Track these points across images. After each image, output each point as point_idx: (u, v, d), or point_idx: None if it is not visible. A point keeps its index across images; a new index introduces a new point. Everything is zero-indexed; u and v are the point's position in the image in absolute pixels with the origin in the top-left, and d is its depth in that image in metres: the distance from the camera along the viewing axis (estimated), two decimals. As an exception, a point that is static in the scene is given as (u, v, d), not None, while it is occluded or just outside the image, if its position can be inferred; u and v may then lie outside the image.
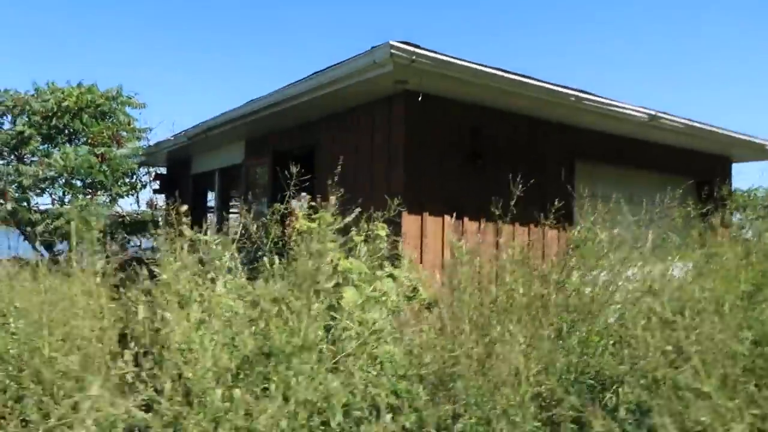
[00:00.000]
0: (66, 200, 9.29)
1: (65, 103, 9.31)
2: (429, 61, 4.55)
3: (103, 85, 10.12)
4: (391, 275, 3.53)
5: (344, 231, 3.83)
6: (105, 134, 9.98)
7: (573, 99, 5.63)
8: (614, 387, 2.94)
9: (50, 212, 9.01)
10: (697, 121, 7.02)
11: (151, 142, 10.38)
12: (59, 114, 9.37)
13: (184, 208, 3.53)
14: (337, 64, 5.05)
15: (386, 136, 5.46)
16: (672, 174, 7.93)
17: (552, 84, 5.41)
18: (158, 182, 11.25)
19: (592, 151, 6.89)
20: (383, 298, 2.95)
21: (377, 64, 4.55)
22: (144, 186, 11.37)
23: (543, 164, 6.38)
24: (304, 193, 3.62)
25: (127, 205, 18.75)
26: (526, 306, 3.02)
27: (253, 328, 2.76)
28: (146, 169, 11.48)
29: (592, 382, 3.02)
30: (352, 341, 2.86)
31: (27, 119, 9.36)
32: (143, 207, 12.00)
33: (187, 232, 3.21)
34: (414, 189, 5.20)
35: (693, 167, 8.35)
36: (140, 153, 9.99)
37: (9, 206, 8.72)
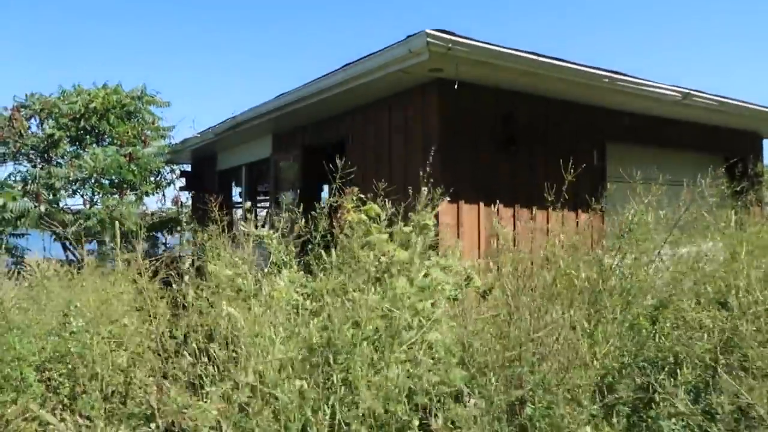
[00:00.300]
0: (96, 200, 9.42)
1: (93, 105, 9.42)
2: (465, 48, 4.55)
3: (127, 86, 10.23)
4: (439, 264, 3.56)
5: (389, 221, 3.87)
6: (131, 134, 10.10)
7: (606, 80, 5.58)
8: (666, 369, 2.95)
9: (82, 213, 9.16)
10: (728, 98, 6.92)
11: (175, 141, 10.49)
12: (87, 115, 9.49)
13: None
14: (370, 55, 5.06)
15: (419, 126, 5.47)
16: (703, 152, 7.85)
17: (585, 65, 5.38)
18: (184, 179, 11.36)
19: (623, 132, 6.84)
20: (439, 287, 2.98)
21: (413, 53, 4.56)
22: (169, 184, 11.47)
23: (574, 147, 6.34)
24: (355, 187, 3.64)
25: (152, 203, 18.90)
26: (580, 291, 3.04)
27: (315, 320, 2.81)
28: (170, 167, 11.61)
29: (645, 364, 3.03)
30: (411, 330, 2.89)
31: (55, 122, 9.50)
32: (168, 204, 12.16)
33: (244, 227, 3.26)
34: (449, 177, 5.20)
35: (724, 144, 8.25)
36: (166, 151, 10.10)
37: (43, 208, 8.87)
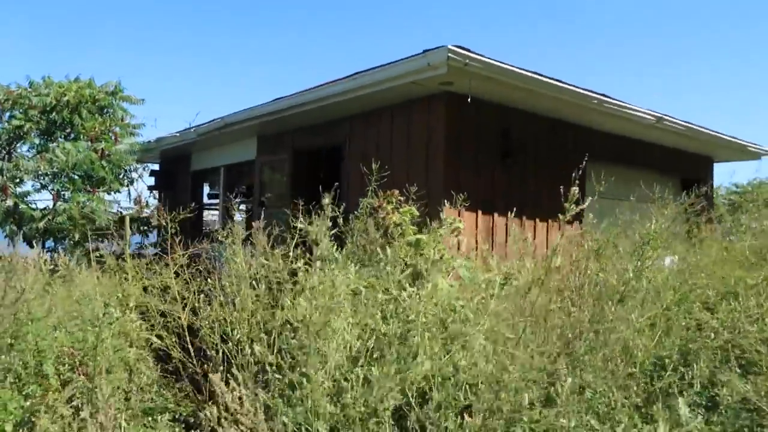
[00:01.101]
0: (66, 196, 9.14)
1: (65, 98, 9.16)
2: (480, 64, 4.83)
3: (99, 81, 9.97)
4: (465, 265, 3.79)
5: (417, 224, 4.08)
6: (98, 129, 9.86)
7: (595, 101, 6.01)
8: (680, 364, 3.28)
9: (50, 209, 8.87)
10: (693, 123, 7.55)
11: (143, 139, 10.31)
12: (58, 108, 9.22)
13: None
14: (384, 65, 5.27)
15: (424, 135, 5.71)
16: (665, 173, 8.47)
17: (579, 87, 5.78)
18: (153, 178, 11.16)
19: (601, 151, 7.32)
20: (482, 284, 3.20)
21: (431, 66, 4.80)
22: (131, 182, 11.20)
23: (560, 163, 6.76)
24: (395, 190, 3.83)
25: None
26: (614, 291, 3.34)
27: (378, 310, 2.97)
28: (134, 166, 11.35)
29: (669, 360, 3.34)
30: (458, 323, 3.10)
31: (23, 113, 9.16)
32: (130, 204, 11.88)
33: (301, 224, 3.38)
34: (452, 185, 5.45)
35: (682, 167, 8.93)
36: (137, 149, 9.91)
37: (10, 202, 8.54)
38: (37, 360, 3.84)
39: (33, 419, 3.54)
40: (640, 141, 7.95)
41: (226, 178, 9.45)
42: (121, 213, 11.03)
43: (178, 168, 10.69)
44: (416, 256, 3.23)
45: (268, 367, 2.99)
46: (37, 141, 9.27)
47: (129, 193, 11.69)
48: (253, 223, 4.95)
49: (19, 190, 8.86)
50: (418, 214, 3.65)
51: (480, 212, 5.83)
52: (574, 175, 6.97)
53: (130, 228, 11.58)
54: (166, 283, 4.73)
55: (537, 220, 6.46)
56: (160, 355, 4.55)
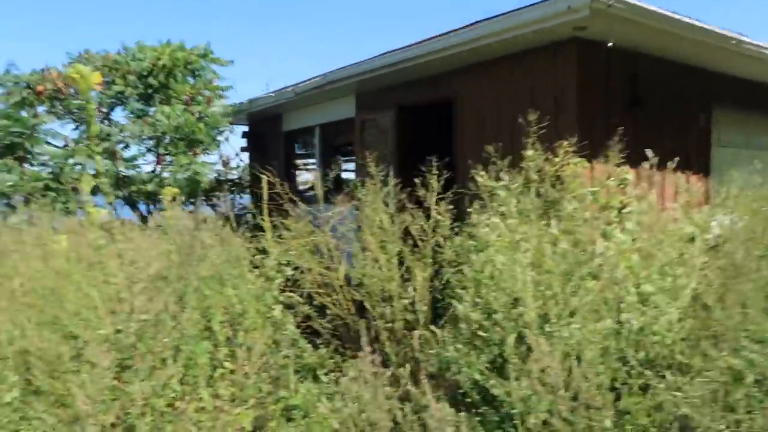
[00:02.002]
0: (169, 159, 9.40)
1: (161, 61, 9.31)
2: (623, 6, 4.55)
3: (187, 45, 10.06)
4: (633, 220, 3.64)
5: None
6: (190, 92, 10.02)
7: (734, 42, 5.60)
8: None
9: (159, 172, 9.16)
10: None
11: (229, 101, 10.41)
12: (155, 72, 9.39)
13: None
14: (513, 12, 5.05)
15: (551, 84, 5.49)
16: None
17: (716, 27, 5.39)
18: (245, 140, 11.33)
19: (731, 96, 6.89)
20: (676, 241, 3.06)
21: (571, 9, 4.56)
22: (218, 143, 11.39)
23: (686, 111, 6.41)
24: (564, 141, 3.69)
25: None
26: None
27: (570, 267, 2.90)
28: (227, 127, 11.52)
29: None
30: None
31: (122, 79, 9.38)
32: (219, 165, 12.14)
33: (481, 178, 3.32)
34: (584, 139, 5.24)
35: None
36: (230, 110, 10.04)
37: (119, 167, 8.85)
38: (206, 318, 3.99)
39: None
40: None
41: (322, 137, 9.46)
42: (218, 175, 11.34)
43: (267, 129, 10.80)
44: (598, 208, 3.11)
45: (463, 325, 2.98)
46: (137, 106, 9.51)
47: (219, 155, 12.00)
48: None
49: (126, 155, 9.17)
50: (588, 165, 3.53)
51: (609, 161, 5.60)
52: (702, 123, 6.65)
53: (224, 188, 11.94)
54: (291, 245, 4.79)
55: (664, 170, 6.18)
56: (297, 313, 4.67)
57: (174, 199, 3.81)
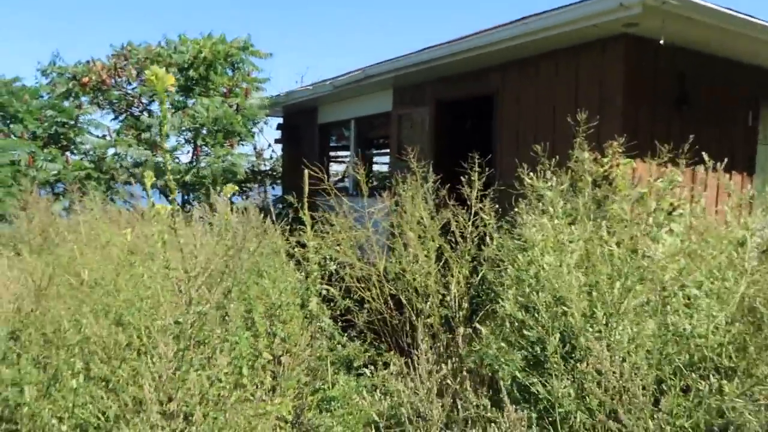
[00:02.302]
0: (207, 150, 9.60)
1: (202, 54, 9.49)
2: (678, 2, 4.48)
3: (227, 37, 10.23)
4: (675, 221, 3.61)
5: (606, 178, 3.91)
6: (229, 84, 10.20)
7: (788, 39, 5.46)
8: None
9: (196, 163, 9.37)
10: None
11: (267, 93, 10.56)
12: (195, 65, 9.58)
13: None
14: (562, 8, 5.02)
15: (597, 82, 5.44)
16: None
17: (770, 23, 5.26)
18: (280, 132, 11.47)
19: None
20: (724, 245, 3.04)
21: (623, 6, 4.51)
22: (253, 136, 11.56)
23: (733, 110, 6.28)
24: (614, 142, 3.68)
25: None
26: None
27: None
28: (263, 119, 11.68)
29: None
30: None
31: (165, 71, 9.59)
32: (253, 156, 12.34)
33: (527, 178, 3.33)
34: (630, 137, 5.18)
35: None
36: (267, 103, 10.18)
37: (160, 157, 9.08)
38: (248, 309, 4.10)
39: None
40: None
41: (357, 130, 9.53)
42: (253, 166, 11.53)
43: (303, 121, 10.90)
44: (646, 210, 3.10)
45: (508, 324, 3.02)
46: (178, 98, 9.72)
47: (254, 146, 12.20)
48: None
49: (166, 145, 9.37)
50: (637, 167, 3.50)
51: (655, 165, 5.53)
52: (749, 122, 6.50)
53: (257, 180, 12.11)
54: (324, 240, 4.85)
55: (707, 168, 6.08)
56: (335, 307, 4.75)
57: (232, 195, 3.91)
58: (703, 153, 3.45)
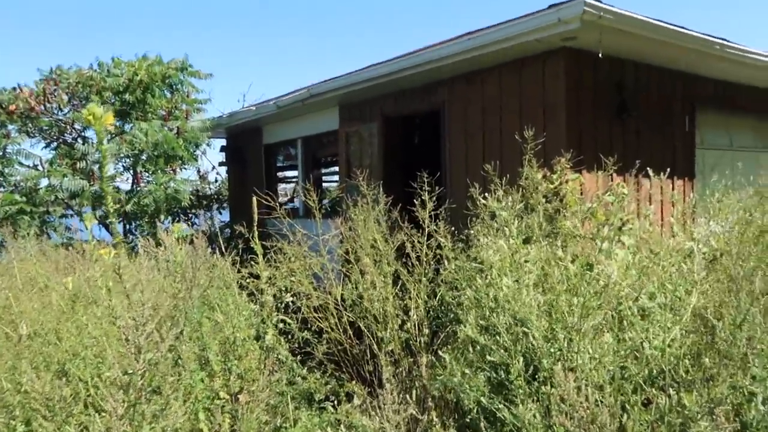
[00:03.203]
0: (147, 177, 9.34)
1: (138, 77, 9.25)
2: (612, 16, 4.67)
3: (164, 58, 10.02)
4: (627, 234, 3.73)
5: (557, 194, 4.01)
6: (168, 107, 9.99)
7: (717, 47, 5.76)
8: None
9: (137, 191, 9.09)
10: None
11: (208, 114, 10.39)
12: (131, 88, 9.32)
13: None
14: (504, 23, 5.16)
15: (540, 94, 5.59)
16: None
17: (701, 33, 5.54)
18: (224, 154, 11.29)
19: (712, 98, 7.07)
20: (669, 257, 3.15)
21: (561, 21, 4.66)
22: (196, 158, 11.33)
23: (670, 115, 6.56)
24: (561, 158, 3.77)
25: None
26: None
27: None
28: (206, 141, 11.46)
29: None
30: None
31: (98, 96, 9.30)
32: (197, 180, 12.10)
33: (486, 202, 3.37)
34: (573, 146, 5.34)
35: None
36: (209, 125, 10.00)
37: (97, 187, 8.77)
38: (201, 347, 3.99)
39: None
40: (755, 87, 7.62)
41: (305, 150, 9.48)
42: (197, 190, 11.29)
43: (247, 142, 10.77)
44: (597, 225, 3.19)
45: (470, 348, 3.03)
46: (114, 123, 9.43)
47: (197, 170, 11.96)
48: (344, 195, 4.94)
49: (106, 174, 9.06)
50: (584, 181, 3.61)
51: (600, 174, 5.72)
52: (686, 127, 6.80)
53: (202, 205, 11.85)
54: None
55: (650, 177, 6.33)
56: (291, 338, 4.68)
57: (179, 239, 3.82)
58: (648, 168, 3.58)
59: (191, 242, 4.54)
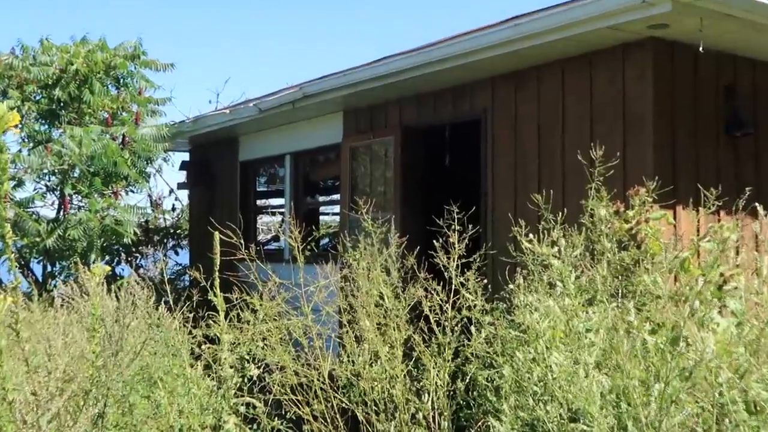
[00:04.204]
0: (79, 202, 9.48)
1: (73, 66, 9.46)
2: (716, -4, 4.70)
3: (111, 42, 10.23)
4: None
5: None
6: (113, 107, 10.18)
7: None
8: None
9: (63, 219, 9.20)
10: None
11: (168, 119, 10.57)
12: (63, 82, 9.54)
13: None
14: (563, 4, 5.20)
15: (618, 102, 5.60)
16: None
17: None
18: (185, 173, 11.44)
19: None
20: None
21: (646, 3, 4.69)
22: (148, 178, 11.40)
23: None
24: (641, 188, 3.76)
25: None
26: None
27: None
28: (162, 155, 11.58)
29: None
30: None
31: (19, 90, 9.52)
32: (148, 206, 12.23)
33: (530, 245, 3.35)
34: (663, 170, 5.30)
35: None
36: (167, 132, 10.09)
37: (11, 212, 8.89)
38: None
39: None
40: None
41: (295, 170, 9.56)
42: (146, 222, 11.42)
43: (218, 157, 10.92)
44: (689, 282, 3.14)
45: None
46: (37, 127, 9.62)
47: (149, 194, 12.10)
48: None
49: (19, 195, 9.23)
50: (675, 221, 3.57)
51: (701, 210, 5.66)
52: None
53: (152, 242, 11.98)
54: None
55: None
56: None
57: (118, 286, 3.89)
58: None
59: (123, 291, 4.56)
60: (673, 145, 5.50)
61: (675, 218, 5.53)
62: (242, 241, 4.92)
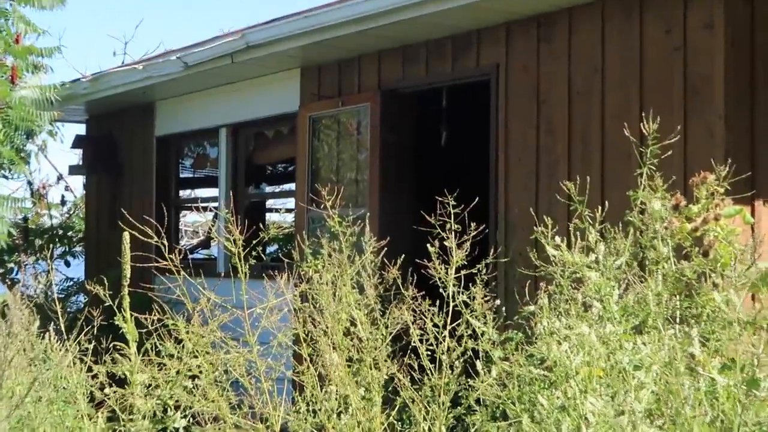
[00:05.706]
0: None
1: None
2: None
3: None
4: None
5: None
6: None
7: None
8: None
9: None
10: None
11: (58, 77, 10.52)
12: None
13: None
14: None
15: (676, 59, 5.65)
16: None
17: None
18: (81, 151, 11.41)
19: None
20: None
21: None
22: (27, 158, 11.37)
23: None
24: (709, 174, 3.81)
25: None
26: None
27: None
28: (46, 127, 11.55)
29: None
30: None
31: None
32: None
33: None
34: (739, 154, 5.35)
35: None
36: (53, 94, 10.03)
37: None
38: None
39: None
40: None
41: (234, 148, 9.56)
42: (27, 220, 11.38)
43: (126, 131, 10.91)
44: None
45: None
46: None
47: (29, 181, 12.07)
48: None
49: None
50: (751, 220, 3.61)
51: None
52: None
53: (33, 247, 12.00)
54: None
55: None
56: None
57: None
58: None
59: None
60: (751, 119, 5.56)
61: (754, 215, 5.59)
62: (165, 242, 4.91)
